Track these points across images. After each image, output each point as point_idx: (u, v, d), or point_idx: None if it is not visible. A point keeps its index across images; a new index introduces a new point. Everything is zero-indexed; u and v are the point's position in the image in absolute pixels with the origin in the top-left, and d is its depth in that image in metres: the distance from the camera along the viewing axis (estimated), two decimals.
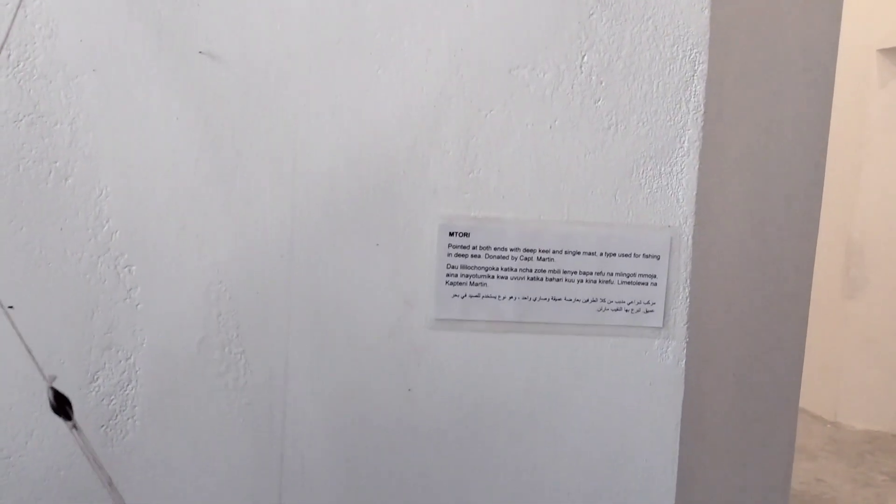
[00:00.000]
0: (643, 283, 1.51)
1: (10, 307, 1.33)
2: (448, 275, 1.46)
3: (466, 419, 1.51)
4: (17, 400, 1.39)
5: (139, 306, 1.40)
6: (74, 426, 1.05)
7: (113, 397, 1.42)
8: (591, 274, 1.49)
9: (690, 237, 1.50)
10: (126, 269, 1.39)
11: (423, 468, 1.51)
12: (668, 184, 1.49)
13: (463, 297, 1.48)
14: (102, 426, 1.42)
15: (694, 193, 1.49)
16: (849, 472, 5.59)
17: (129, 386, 1.42)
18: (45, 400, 1.05)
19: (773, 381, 1.79)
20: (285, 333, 1.44)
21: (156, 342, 1.41)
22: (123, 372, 1.41)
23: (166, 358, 1.41)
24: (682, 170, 1.48)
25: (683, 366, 1.54)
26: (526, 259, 1.48)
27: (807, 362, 1.91)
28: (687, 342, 1.53)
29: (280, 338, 1.45)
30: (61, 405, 1.05)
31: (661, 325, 1.52)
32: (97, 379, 1.41)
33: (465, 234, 1.44)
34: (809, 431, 5.92)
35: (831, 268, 5.76)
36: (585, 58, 1.44)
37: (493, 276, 1.48)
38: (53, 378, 1.05)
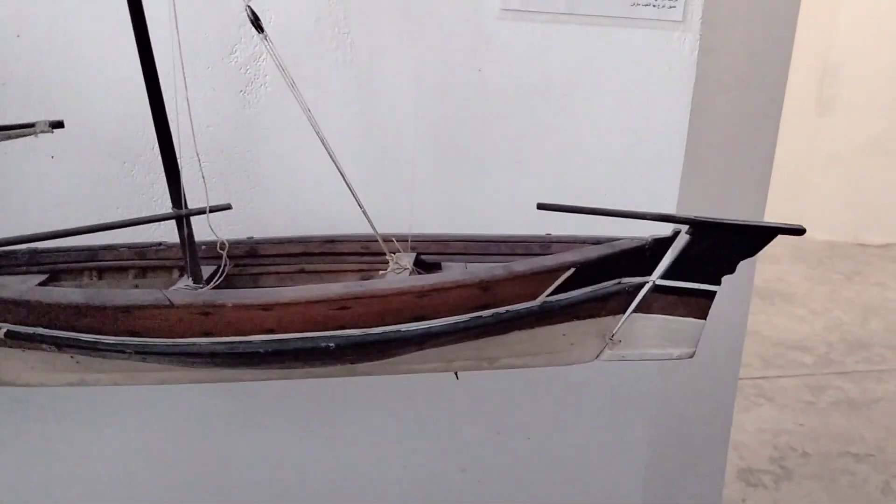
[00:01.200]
0: None
1: None
2: None
3: (525, 95, 1.90)
4: None
5: None
6: (266, 37, 1.41)
7: (248, 67, 1.77)
8: None
9: None
10: None
11: (492, 135, 1.92)
12: None
13: None
14: (241, 91, 1.78)
15: None
16: (808, 272, 6.24)
17: (261, 58, 1.77)
18: None
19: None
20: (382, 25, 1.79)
21: (281, 21, 1.75)
22: (256, 46, 1.76)
23: (289, 34, 1.75)
24: None
25: (696, 55, 1.93)
26: None
27: (774, 177, 2.28)
28: (700, 35, 1.91)
29: (379, 22, 1.80)
30: (256, 20, 1.40)
31: (681, 20, 1.90)
32: (235, 52, 1.76)
33: None
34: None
35: (805, 86, 6.13)
36: None
37: None
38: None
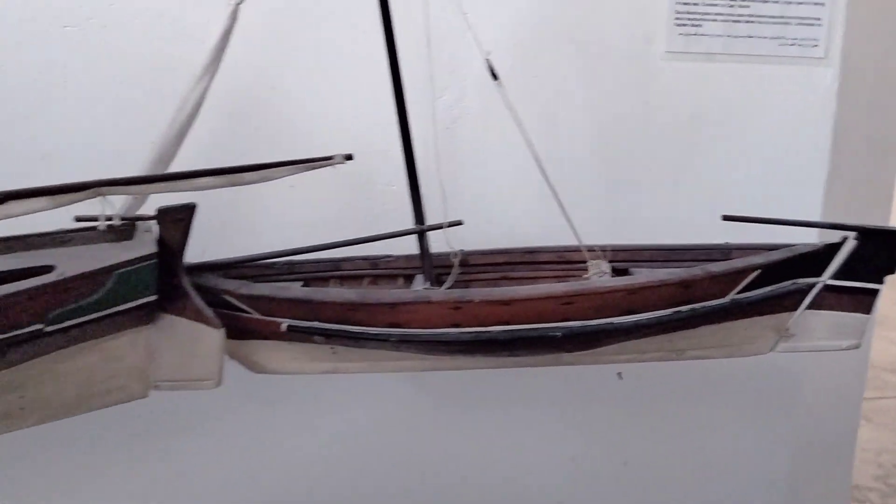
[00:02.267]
0: (811, 24, 2.14)
1: None
2: (676, 18, 2.11)
3: (685, 125, 2.19)
4: None
5: None
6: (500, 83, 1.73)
7: (453, 107, 2.10)
8: (776, 17, 2.13)
9: None
10: None
11: (655, 160, 2.20)
12: None
13: (686, 36, 2.12)
14: (447, 128, 2.11)
15: None
16: None
17: (464, 99, 2.10)
18: None
19: None
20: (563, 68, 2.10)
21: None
22: (459, 90, 2.09)
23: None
24: None
25: (836, 87, 2.19)
26: (730, 6, 2.11)
27: None
28: (840, 69, 2.17)
29: (561, 66, 2.11)
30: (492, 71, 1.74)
31: (822, 56, 2.16)
32: (443, 95, 2.09)
33: None
34: None
35: None
36: None
37: (707, 19, 2.12)
38: (488, 53, 1.73)
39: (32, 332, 1.48)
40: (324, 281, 2.00)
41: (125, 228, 1.79)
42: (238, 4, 1.71)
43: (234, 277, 1.87)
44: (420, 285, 1.93)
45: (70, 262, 1.67)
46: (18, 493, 2.28)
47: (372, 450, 2.39)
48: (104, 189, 1.52)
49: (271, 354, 1.87)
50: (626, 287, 1.70)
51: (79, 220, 1.74)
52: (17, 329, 1.47)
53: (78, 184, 1.51)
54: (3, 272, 1.65)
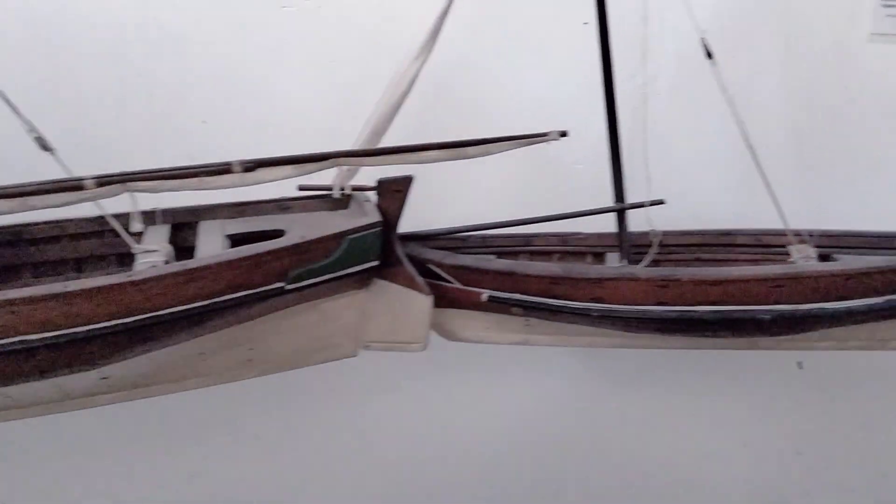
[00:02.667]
0: None
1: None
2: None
3: (888, 110, 2.11)
4: None
5: None
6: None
7: (646, 87, 2.11)
8: None
9: None
10: None
11: (853, 145, 2.13)
12: None
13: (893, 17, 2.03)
14: (636, 107, 2.12)
15: None
16: None
17: (656, 80, 2.10)
18: None
19: None
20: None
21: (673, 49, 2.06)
22: (649, 72, 2.09)
23: (685, 60, 2.06)
24: None
25: None
26: None
27: None
28: None
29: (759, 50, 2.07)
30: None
31: None
32: (636, 75, 2.10)
33: None
34: None
35: None
36: None
37: None
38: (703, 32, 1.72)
39: (275, 289, 1.61)
40: (514, 255, 2.06)
41: (341, 198, 1.91)
42: None
43: (433, 248, 1.95)
44: (615, 263, 1.95)
45: (298, 227, 1.80)
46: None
47: (539, 427, 2.45)
48: (342, 160, 1.62)
49: (466, 323, 1.94)
50: (842, 272, 1.67)
51: (302, 188, 1.87)
52: (262, 286, 1.60)
53: (319, 154, 1.62)
54: (240, 234, 1.80)
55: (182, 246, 1.81)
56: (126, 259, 1.93)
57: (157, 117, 2.16)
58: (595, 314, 1.76)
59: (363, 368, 2.24)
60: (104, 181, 1.52)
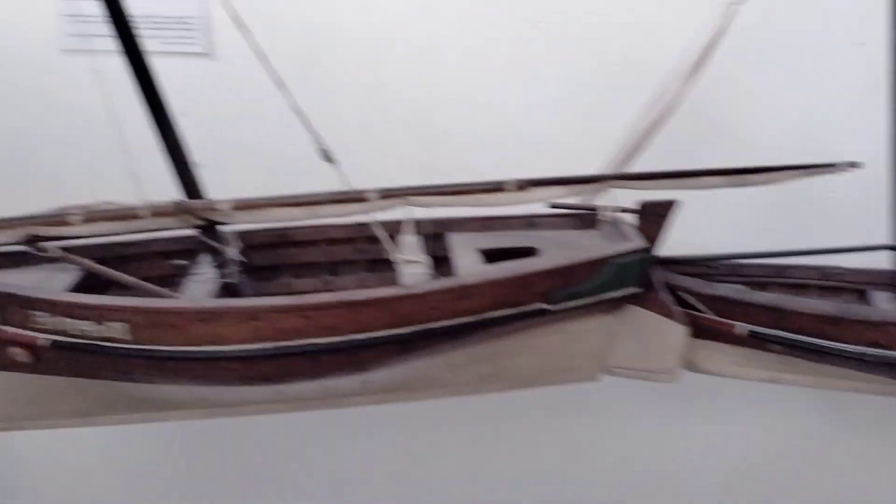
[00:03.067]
0: None
1: None
2: None
3: None
4: None
5: None
6: None
7: None
8: None
9: None
10: None
11: None
12: None
13: None
14: None
15: None
16: None
17: None
18: None
19: None
20: None
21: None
22: None
23: None
24: None
25: None
26: None
27: None
28: None
29: None
30: None
31: None
32: None
33: None
34: None
35: None
36: None
37: None
38: None
39: (537, 309, 1.61)
40: (763, 286, 1.95)
41: (590, 217, 1.88)
42: (736, 5, 1.70)
43: (683, 274, 1.88)
44: (885, 303, 1.80)
45: (550, 246, 1.80)
46: None
47: (763, 467, 2.33)
48: (613, 183, 1.59)
49: (713, 355, 1.85)
50: None
51: (554, 206, 1.86)
52: (526, 305, 1.60)
53: (591, 176, 1.60)
54: (491, 249, 1.82)
55: (433, 256, 1.85)
56: (375, 266, 2.01)
57: (397, 129, 2.23)
58: (870, 360, 1.63)
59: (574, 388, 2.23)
60: (386, 194, 1.58)
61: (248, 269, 1.81)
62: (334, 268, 2.00)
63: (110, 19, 1.47)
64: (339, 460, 2.60)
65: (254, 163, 2.20)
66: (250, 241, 1.86)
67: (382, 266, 2.01)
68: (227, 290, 1.71)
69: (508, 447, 2.47)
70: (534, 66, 2.12)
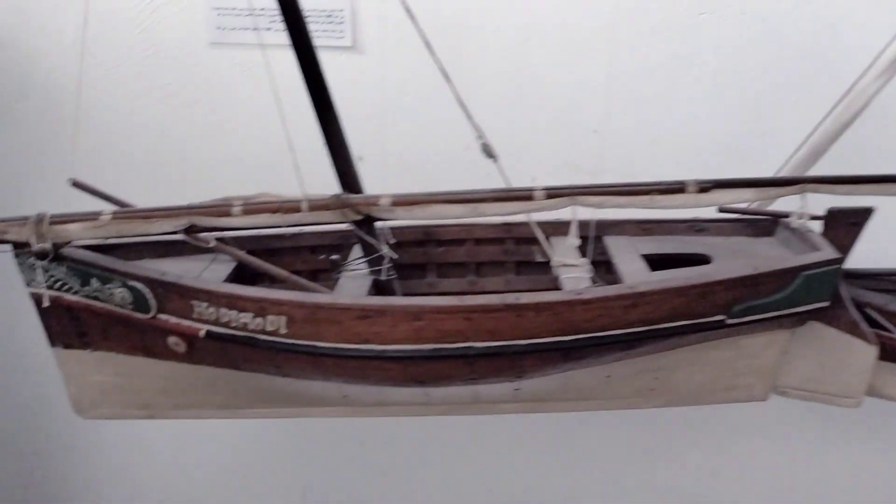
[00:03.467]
0: None
1: None
2: None
3: None
4: None
5: None
6: None
7: None
8: None
9: None
10: None
11: None
12: None
13: None
14: None
15: None
16: None
17: None
18: None
19: None
20: None
21: None
22: None
23: None
24: None
25: None
26: None
27: None
28: None
29: None
30: None
31: None
32: None
33: None
34: None
35: None
36: None
37: None
38: None
39: (715, 321, 1.48)
40: None
41: (764, 224, 1.74)
42: None
43: (870, 290, 1.71)
44: None
45: (722, 253, 1.66)
46: None
47: None
48: (809, 186, 1.44)
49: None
50: None
51: (722, 210, 1.73)
52: (703, 317, 1.47)
53: (784, 179, 1.48)
54: (656, 255, 1.70)
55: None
56: (522, 268, 1.92)
57: (548, 124, 2.13)
58: None
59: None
60: (553, 193, 1.48)
61: (395, 266, 1.76)
62: (479, 269, 1.92)
63: (282, 13, 1.43)
64: (465, 464, 2.53)
65: (400, 158, 2.15)
66: (398, 238, 1.81)
67: (530, 269, 1.92)
68: (378, 288, 1.65)
69: (648, 461, 2.34)
70: (696, 60, 1.98)
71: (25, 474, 2.73)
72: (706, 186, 1.45)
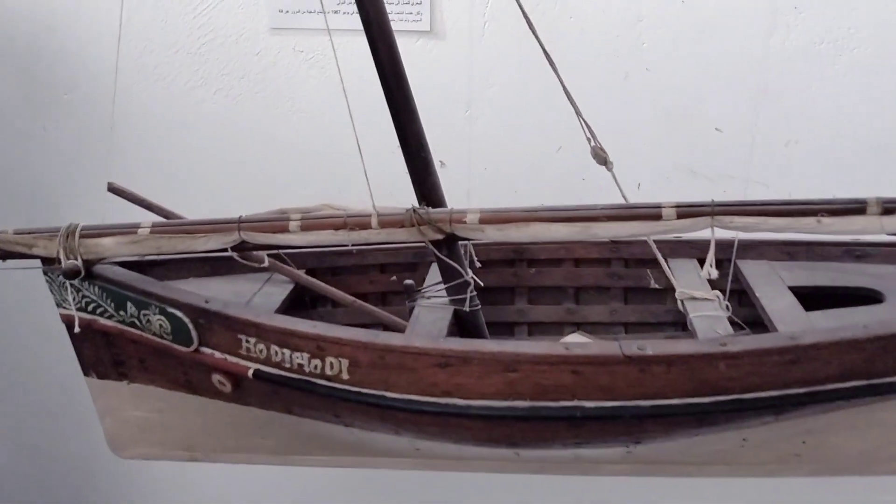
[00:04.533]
0: None
1: None
2: None
3: None
4: None
5: None
6: None
7: None
8: None
9: None
10: None
11: None
12: None
13: None
14: None
15: None
16: None
17: None
18: None
19: None
20: None
21: None
22: None
23: None
24: None
25: None
26: None
27: None
28: None
29: None
30: None
31: None
32: None
33: None
34: None
35: None
36: None
37: None
38: None
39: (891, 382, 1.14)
40: None
41: None
42: None
43: None
44: None
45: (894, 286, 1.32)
46: None
47: None
48: None
49: None
50: None
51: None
52: (882, 376, 1.14)
53: None
54: (807, 287, 1.37)
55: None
56: (631, 295, 1.60)
57: (656, 120, 1.81)
58: None
59: None
60: (687, 212, 1.16)
61: (478, 290, 1.47)
62: (579, 294, 1.61)
63: None
64: None
65: (486, 161, 1.85)
66: (482, 257, 1.51)
67: (641, 296, 1.60)
68: (460, 322, 1.37)
69: None
70: (847, 43, 1.62)
71: None
72: (892, 207, 1.11)
